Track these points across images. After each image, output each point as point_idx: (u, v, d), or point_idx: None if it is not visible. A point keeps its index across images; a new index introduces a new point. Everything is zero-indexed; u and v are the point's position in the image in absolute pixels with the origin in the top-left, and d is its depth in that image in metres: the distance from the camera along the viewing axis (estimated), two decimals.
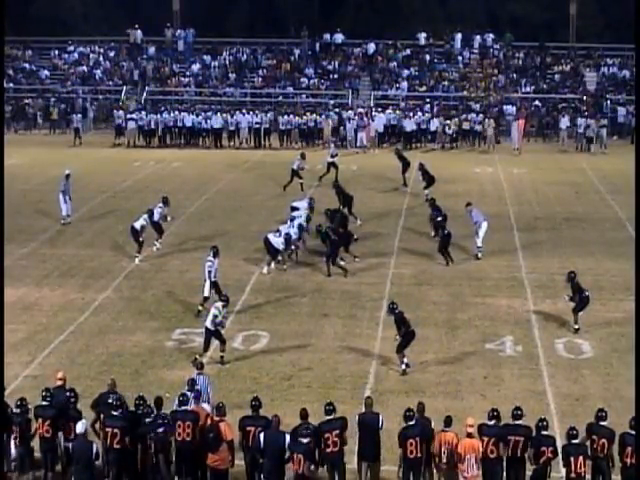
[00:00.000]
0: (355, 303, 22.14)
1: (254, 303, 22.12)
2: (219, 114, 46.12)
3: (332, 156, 35.45)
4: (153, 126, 45.98)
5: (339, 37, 54.13)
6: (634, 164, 31.76)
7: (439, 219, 25.91)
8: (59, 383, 14.91)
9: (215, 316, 18.31)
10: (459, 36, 53.62)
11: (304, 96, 50.80)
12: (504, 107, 48.05)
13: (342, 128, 45.58)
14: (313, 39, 54.39)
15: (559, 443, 13.62)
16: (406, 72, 51.88)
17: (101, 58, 54.92)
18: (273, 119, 45.91)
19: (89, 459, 13.33)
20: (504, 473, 13.49)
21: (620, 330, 20.31)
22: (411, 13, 62.27)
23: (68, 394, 14.39)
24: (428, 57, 53.09)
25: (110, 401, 14.04)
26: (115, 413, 13.77)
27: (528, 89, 50.43)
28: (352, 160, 40.48)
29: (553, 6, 58.27)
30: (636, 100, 43.22)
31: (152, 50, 54.65)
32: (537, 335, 20.19)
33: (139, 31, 55.08)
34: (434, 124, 45.21)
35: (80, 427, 13.51)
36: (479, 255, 25.51)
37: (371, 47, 53.25)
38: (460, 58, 53.13)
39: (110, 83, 52.91)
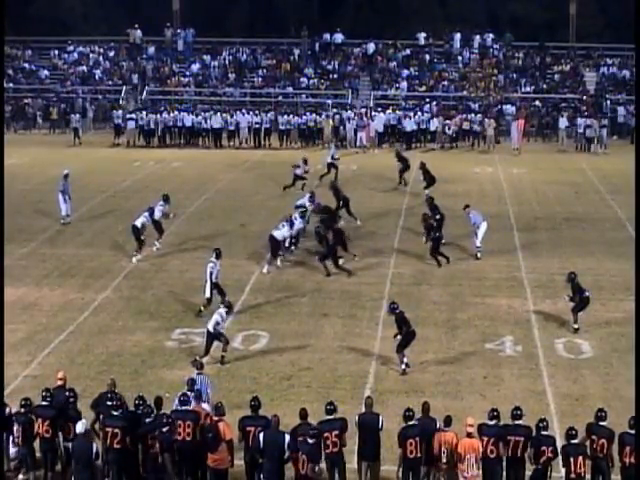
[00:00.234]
0: (355, 303, 22.13)
1: (254, 303, 22.10)
2: (219, 114, 46.12)
3: (332, 157, 35.46)
4: (153, 126, 45.98)
5: (339, 37, 54.12)
6: (634, 164, 31.79)
7: (437, 217, 25.77)
8: (59, 383, 14.89)
9: (217, 322, 18.31)
10: (459, 36, 53.62)
11: (304, 96, 50.81)
12: (504, 107, 48.06)
13: (342, 128, 45.61)
14: (313, 39, 54.38)
15: (559, 443, 13.60)
16: (406, 72, 51.87)
17: (101, 58, 54.92)
18: (273, 119, 45.93)
19: (89, 459, 13.33)
20: (504, 473, 13.48)
21: (620, 330, 20.30)
22: (411, 13, 62.25)
23: (67, 394, 14.38)
24: (428, 57, 53.10)
25: (109, 403, 14.01)
26: (115, 413, 13.76)
27: (528, 89, 50.43)
28: (352, 160, 40.48)
29: (553, 6, 58.28)
30: (636, 100, 43.21)
31: (152, 50, 54.66)
32: (537, 335, 20.18)
33: (139, 31, 55.07)
34: (434, 124, 45.25)
35: (80, 427, 13.51)
36: (478, 255, 25.48)
37: (371, 47, 53.23)
38: (460, 58, 53.12)
39: (110, 83, 52.92)
